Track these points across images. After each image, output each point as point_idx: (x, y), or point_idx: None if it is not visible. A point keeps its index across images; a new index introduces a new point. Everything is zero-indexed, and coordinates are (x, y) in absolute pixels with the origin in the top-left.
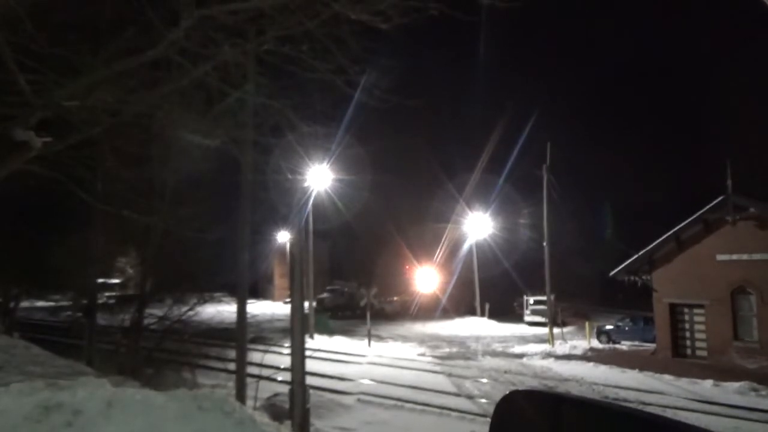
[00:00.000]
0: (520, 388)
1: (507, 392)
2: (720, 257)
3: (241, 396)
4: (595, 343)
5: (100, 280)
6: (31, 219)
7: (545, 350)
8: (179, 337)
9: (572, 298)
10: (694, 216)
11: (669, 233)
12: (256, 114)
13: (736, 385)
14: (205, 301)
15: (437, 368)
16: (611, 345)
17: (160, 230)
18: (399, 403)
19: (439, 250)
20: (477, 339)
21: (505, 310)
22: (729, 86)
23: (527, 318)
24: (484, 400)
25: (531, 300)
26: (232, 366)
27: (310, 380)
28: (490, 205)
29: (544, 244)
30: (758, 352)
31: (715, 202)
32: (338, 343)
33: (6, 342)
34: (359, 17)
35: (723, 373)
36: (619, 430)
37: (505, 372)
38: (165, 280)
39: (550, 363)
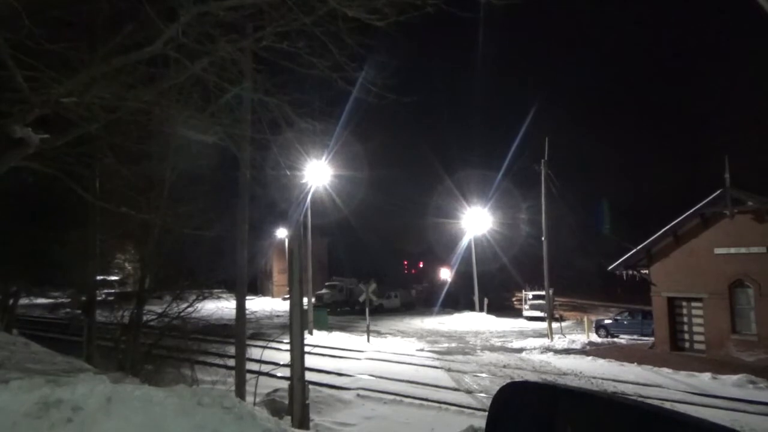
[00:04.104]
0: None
1: (503, 384)
2: (718, 251)
3: (240, 392)
4: (594, 338)
5: (99, 277)
6: (30, 216)
7: (544, 345)
8: (178, 333)
9: (571, 293)
10: (692, 210)
11: (667, 227)
12: (253, 110)
13: (734, 377)
14: (204, 298)
15: (436, 363)
16: (610, 339)
17: (158, 227)
18: (398, 398)
19: (438, 246)
20: (476, 334)
21: (504, 305)
22: (727, 81)
23: (526, 313)
24: (482, 395)
25: (530, 295)
26: (231, 362)
27: (309, 376)
28: (489, 200)
29: (543, 238)
30: (756, 345)
31: (713, 195)
32: (337, 338)
33: (5, 339)
34: (356, 14)
35: (721, 366)
36: (614, 420)
37: (504, 366)
38: (164, 277)
39: (548, 357)
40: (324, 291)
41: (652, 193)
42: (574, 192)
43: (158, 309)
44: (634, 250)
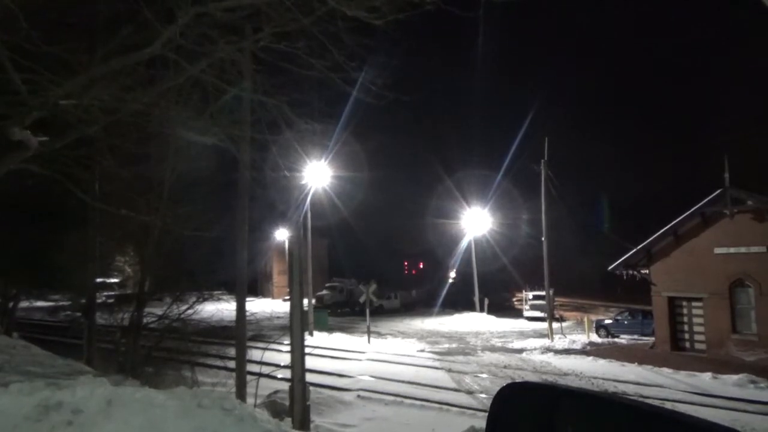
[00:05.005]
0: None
1: (504, 385)
2: (718, 250)
3: (241, 393)
4: (594, 338)
5: (99, 280)
6: (29, 218)
7: (544, 345)
8: (178, 335)
9: (571, 293)
10: (692, 209)
11: (667, 227)
12: (252, 111)
13: (734, 377)
14: (205, 300)
15: (437, 364)
16: (610, 339)
17: (158, 229)
18: (399, 399)
19: (438, 246)
20: (476, 334)
21: (504, 305)
22: (727, 80)
23: (526, 313)
24: (483, 395)
25: (530, 295)
26: (231, 364)
27: (309, 377)
28: (489, 200)
29: (543, 239)
30: (756, 345)
31: (712, 195)
32: (337, 339)
33: (5, 342)
34: (355, 14)
35: (721, 365)
36: (615, 420)
37: (505, 367)
38: (164, 279)
39: (549, 357)
40: (324, 292)
41: (652, 192)
42: (574, 192)
43: (158, 311)
44: (634, 250)
